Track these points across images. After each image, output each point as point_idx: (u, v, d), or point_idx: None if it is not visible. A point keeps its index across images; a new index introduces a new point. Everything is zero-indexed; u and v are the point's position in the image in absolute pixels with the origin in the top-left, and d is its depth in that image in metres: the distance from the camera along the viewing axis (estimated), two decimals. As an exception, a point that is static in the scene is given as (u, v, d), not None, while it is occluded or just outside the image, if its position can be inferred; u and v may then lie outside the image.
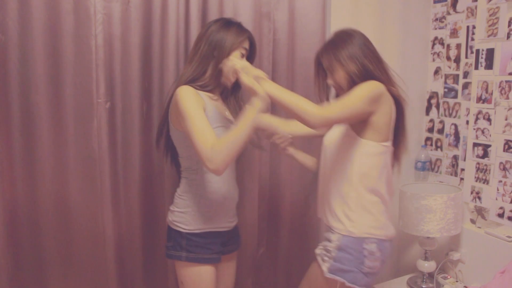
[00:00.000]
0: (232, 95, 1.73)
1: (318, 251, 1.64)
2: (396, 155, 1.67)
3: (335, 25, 2.12)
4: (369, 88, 1.53)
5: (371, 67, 1.57)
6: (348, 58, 1.57)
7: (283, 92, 1.49)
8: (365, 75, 1.56)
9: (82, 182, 1.77)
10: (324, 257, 1.60)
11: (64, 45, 1.68)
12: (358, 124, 1.56)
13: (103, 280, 1.84)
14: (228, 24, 1.63)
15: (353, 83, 1.57)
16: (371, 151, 1.57)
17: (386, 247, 1.62)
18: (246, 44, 1.64)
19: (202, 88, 1.60)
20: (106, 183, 1.78)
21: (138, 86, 1.82)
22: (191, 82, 1.59)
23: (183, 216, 1.62)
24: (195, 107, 1.50)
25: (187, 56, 1.84)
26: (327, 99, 1.73)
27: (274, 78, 2.03)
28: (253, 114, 1.43)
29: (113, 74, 1.78)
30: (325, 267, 1.58)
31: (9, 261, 1.71)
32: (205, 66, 1.60)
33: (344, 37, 1.61)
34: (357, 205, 1.58)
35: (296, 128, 1.77)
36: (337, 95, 1.68)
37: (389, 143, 1.60)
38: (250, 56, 1.70)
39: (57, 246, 1.79)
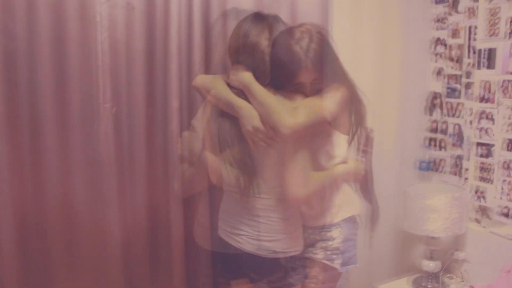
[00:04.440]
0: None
1: (319, 256, 1.58)
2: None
3: (337, 27, 2.14)
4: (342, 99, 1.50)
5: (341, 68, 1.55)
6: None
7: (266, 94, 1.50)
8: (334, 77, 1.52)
9: (88, 186, 1.79)
10: (331, 256, 1.56)
11: (70, 51, 1.71)
12: None
13: (108, 282, 1.86)
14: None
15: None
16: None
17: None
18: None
19: None
20: (112, 187, 1.80)
21: (143, 91, 1.84)
22: None
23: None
24: None
25: (189, 60, 1.86)
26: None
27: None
28: None
29: (118, 79, 1.80)
30: (337, 264, 1.55)
31: (18, 262, 1.73)
32: None
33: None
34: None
35: None
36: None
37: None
38: None
39: (64, 249, 1.80)
